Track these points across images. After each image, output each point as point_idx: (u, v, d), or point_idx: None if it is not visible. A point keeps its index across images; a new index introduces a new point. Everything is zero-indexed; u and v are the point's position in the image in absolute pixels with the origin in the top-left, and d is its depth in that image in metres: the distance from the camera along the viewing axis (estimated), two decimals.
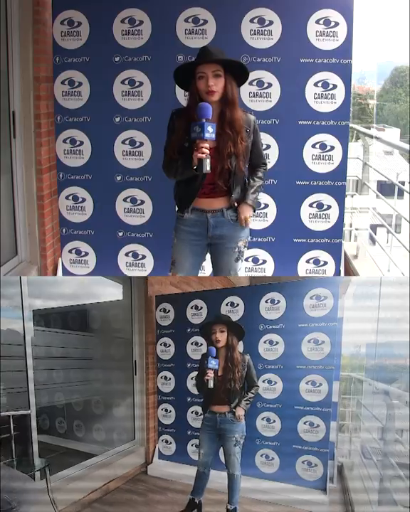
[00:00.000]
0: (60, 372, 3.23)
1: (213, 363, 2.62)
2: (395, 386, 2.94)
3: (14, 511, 1.72)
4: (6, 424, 2.40)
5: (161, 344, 3.72)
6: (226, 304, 3.41)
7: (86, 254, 3.37)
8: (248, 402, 2.73)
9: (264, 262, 3.33)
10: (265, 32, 3.03)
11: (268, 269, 3.34)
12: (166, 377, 3.69)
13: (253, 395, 2.76)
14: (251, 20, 3.02)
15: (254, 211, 2.51)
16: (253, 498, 2.97)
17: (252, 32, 3.03)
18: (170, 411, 3.68)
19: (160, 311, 3.73)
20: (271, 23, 3.02)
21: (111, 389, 3.65)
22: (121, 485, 3.25)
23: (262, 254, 3.31)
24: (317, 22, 3.02)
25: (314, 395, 3.04)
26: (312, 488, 3.01)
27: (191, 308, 3.58)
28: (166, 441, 3.68)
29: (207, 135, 2.20)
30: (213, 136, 2.23)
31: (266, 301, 3.24)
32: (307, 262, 3.30)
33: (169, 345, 3.68)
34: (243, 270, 3.29)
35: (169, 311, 3.69)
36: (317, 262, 3.29)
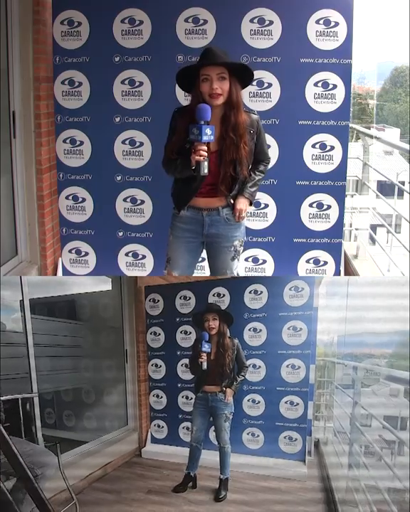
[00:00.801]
0: (50, 361, 3.23)
1: (206, 347, 2.86)
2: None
3: (38, 478, 1.86)
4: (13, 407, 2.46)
5: (151, 333, 3.88)
6: (213, 295, 3.62)
7: (86, 254, 3.37)
8: (238, 384, 3.00)
9: (264, 261, 3.33)
10: (265, 32, 3.03)
11: (268, 269, 3.34)
12: (156, 365, 3.87)
13: (242, 377, 3.03)
14: (251, 20, 3.02)
15: (251, 204, 2.47)
16: (242, 471, 3.29)
17: (252, 32, 3.03)
18: (161, 397, 3.87)
19: (149, 301, 3.88)
20: (271, 23, 3.02)
21: (103, 377, 3.70)
22: (118, 467, 3.43)
23: (262, 254, 3.31)
24: (317, 22, 3.02)
25: (294, 377, 3.38)
26: (293, 459, 3.36)
27: (180, 298, 3.76)
28: (158, 426, 3.87)
29: (205, 138, 2.17)
30: (212, 138, 2.20)
31: (250, 292, 3.51)
32: (307, 262, 3.30)
33: (159, 334, 3.85)
34: (243, 270, 3.30)
35: (158, 301, 3.85)
36: (317, 261, 3.30)
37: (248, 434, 3.52)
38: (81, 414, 3.55)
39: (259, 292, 3.48)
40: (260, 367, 3.48)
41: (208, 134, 2.18)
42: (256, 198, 2.79)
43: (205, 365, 2.88)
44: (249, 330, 3.50)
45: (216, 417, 3.00)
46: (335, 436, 3.69)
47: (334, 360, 4.22)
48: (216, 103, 2.23)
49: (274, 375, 3.42)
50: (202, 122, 2.17)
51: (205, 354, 2.87)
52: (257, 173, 2.48)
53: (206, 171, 2.22)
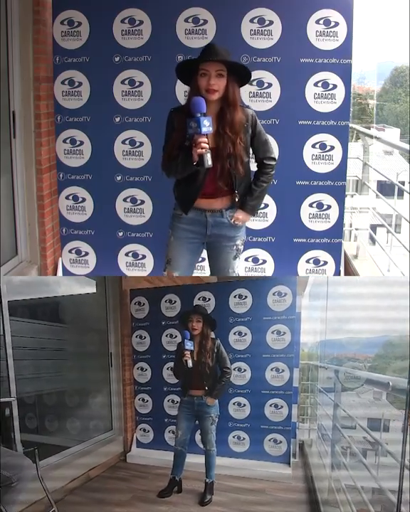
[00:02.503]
0: (33, 364, 3.16)
1: (189, 345, 2.86)
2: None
3: (14, 486, 1.84)
4: None
5: (136, 336, 3.86)
6: (199, 299, 3.63)
7: (86, 254, 3.37)
8: (219, 391, 2.96)
9: (264, 261, 3.33)
10: (265, 32, 3.03)
11: (268, 269, 3.34)
12: (142, 368, 3.85)
13: (224, 382, 2.98)
14: (251, 20, 3.02)
15: (254, 215, 2.51)
16: (227, 474, 3.26)
17: (252, 32, 3.03)
18: (147, 400, 3.84)
19: (135, 304, 3.86)
20: (271, 23, 3.02)
21: (87, 380, 3.65)
22: (102, 472, 3.36)
23: (262, 254, 3.31)
24: (317, 22, 3.01)
25: (278, 380, 3.39)
26: (278, 462, 3.38)
27: (165, 302, 3.76)
28: (144, 430, 3.83)
29: (204, 130, 2.17)
30: (210, 129, 2.21)
31: (235, 297, 3.53)
32: (307, 262, 3.30)
33: (145, 338, 3.84)
34: (243, 270, 3.30)
35: (143, 304, 3.84)
36: (317, 261, 3.29)
37: (233, 437, 3.54)
38: (64, 418, 3.47)
39: (244, 297, 3.51)
40: (245, 370, 3.50)
41: (207, 125, 2.18)
42: None
43: (190, 363, 2.87)
44: (234, 334, 3.53)
45: (202, 420, 2.98)
46: (319, 438, 3.69)
47: (317, 364, 4.23)
48: (212, 98, 2.24)
49: (259, 379, 3.44)
50: (198, 114, 2.17)
51: (189, 352, 2.87)
52: (259, 183, 2.45)
53: (209, 162, 2.21)
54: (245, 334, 3.51)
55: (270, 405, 3.42)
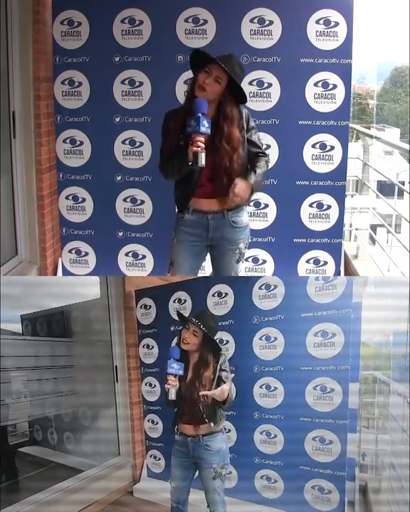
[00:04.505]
0: (29, 384, 2.99)
1: (174, 368, 2.13)
2: None
3: None
4: None
5: (143, 346, 3.31)
6: (213, 295, 2.93)
7: (86, 254, 3.37)
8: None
9: (264, 262, 3.32)
10: (265, 32, 3.03)
11: (268, 269, 3.33)
12: (151, 384, 3.27)
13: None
14: (251, 20, 3.02)
15: (252, 193, 2.29)
16: None
17: (252, 32, 3.03)
18: (157, 422, 3.24)
19: (141, 308, 3.34)
20: (271, 23, 3.02)
21: (89, 401, 3.32)
22: (101, 510, 2.87)
23: (262, 254, 3.31)
24: (317, 22, 3.01)
25: (325, 404, 2.47)
26: None
27: (174, 301, 3.13)
28: (155, 457, 3.25)
29: (203, 129, 2.19)
30: (209, 131, 2.22)
31: (260, 288, 2.71)
32: (307, 262, 3.29)
33: (152, 347, 3.26)
34: (243, 271, 3.30)
35: (150, 307, 3.28)
36: (317, 262, 3.29)
37: (261, 477, 2.65)
38: (64, 444, 3.23)
39: (272, 287, 2.66)
40: (276, 388, 2.61)
41: (206, 125, 2.20)
42: (256, 197, 2.76)
43: (173, 394, 2.10)
44: (260, 338, 2.68)
45: (202, 473, 2.17)
46: (390, 486, 2.67)
47: (388, 381, 3.09)
48: (200, 94, 2.23)
49: (296, 400, 2.54)
50: (199, 114, 2.19)
51: (173, 378, 2.11)
52: (259, 165, 2.33)
53: (203, 162, 2.21)
54: (276, 339, 2.63)
55: (313, 439, 2.47)
